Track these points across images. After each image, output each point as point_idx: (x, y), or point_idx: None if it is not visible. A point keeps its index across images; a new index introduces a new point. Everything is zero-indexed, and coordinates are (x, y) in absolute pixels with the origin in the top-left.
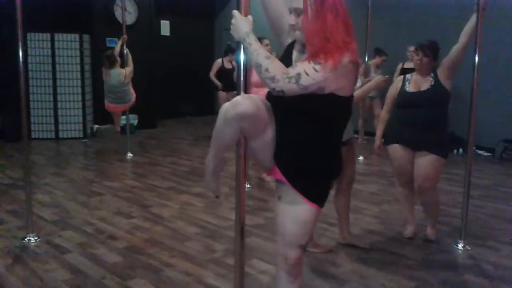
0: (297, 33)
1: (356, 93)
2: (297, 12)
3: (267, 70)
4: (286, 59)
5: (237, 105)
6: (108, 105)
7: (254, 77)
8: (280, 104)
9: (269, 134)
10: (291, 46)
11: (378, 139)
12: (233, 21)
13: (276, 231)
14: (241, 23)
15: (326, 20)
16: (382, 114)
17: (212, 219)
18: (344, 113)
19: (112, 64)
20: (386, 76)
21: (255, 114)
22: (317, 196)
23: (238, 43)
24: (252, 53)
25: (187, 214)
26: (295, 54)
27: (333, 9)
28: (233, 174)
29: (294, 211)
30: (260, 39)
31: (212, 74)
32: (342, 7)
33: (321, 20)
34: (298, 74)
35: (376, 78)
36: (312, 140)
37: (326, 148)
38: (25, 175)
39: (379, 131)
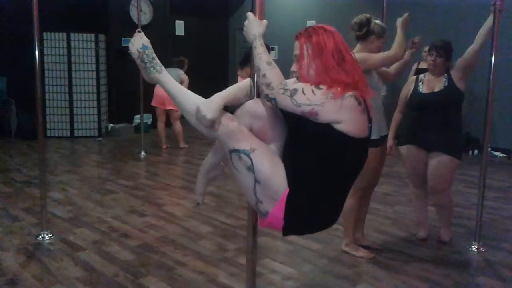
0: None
1: (394, 66)
2: (296, 58)
3: (264, 75)
4: None
5: (258, 103)
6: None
7: None
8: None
9: (272, 149)
10: None
11: (390, 140)
12: (246, 22)
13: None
14: (252, 26)
15: (327, 66)
16: (395, 115)
17: (224, 218)
18: (351, 155)
19: (179, 68)
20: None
21: (267, 118)
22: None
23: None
24: (255, 56)
25: (200, 213)
26: None
27: (335, 53)
28: None
29: None
30: None
31: None
32: (346, 50)
33: (321, 65)
34: (295, 90)
35: (398, 21)
36: (311, 176)
37: (327, 192)
38: (40, 173)
39: (391, 132)
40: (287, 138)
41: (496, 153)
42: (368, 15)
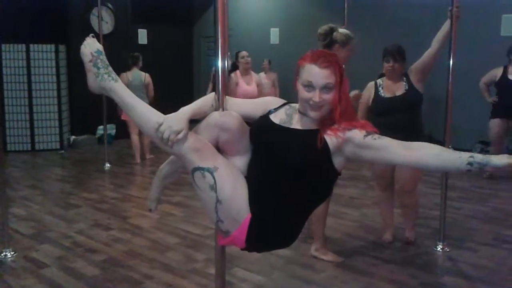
0: (323, 109)
1: None
2: (328, 87)
3: None
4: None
5: (226, 116)
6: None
7: (241, 89)
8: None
9: (237, 162)
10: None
11: None
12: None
13: None
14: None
15: (346, 95)
16: None
17: (192, 228)
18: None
19: (133, 64)
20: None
21: (236, 131)
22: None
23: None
24: None
25: (167, 224)
26: (296, 118)
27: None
28: None
29: None
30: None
31: None
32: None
33: (344, 95)
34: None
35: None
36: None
37: (292, 218)
38: (0, 189)
39: None
40: (256, 158)
41: None
42: (332, 25)
